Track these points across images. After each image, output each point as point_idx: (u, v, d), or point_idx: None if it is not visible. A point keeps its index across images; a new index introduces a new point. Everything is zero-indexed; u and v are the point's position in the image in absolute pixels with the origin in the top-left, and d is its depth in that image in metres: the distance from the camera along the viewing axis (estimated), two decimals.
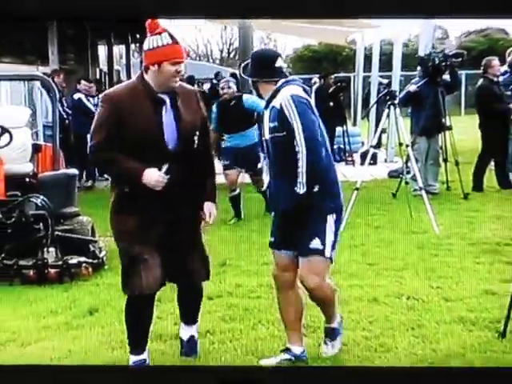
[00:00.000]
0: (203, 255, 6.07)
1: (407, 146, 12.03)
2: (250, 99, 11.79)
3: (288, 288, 5.99)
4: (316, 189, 5.76)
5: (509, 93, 11.75)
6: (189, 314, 6.23)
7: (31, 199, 9.15)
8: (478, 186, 13.43)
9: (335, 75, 19.63)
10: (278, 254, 6.05)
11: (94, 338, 6.94)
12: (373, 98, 18.26)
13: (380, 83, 18.28)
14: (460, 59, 13.45)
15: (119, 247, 5.84)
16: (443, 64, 13.03)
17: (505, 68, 13.42)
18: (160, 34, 5.49)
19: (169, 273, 5.83)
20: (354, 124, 19.87)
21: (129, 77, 20.87)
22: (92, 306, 7.85)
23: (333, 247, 5.86)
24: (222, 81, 12.87)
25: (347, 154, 18.20)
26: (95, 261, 9.24)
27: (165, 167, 5.37)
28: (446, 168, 13.10)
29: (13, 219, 9.03)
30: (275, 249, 6.09)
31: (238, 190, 12.08)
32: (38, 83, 12.49)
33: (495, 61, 13.54)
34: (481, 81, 13.84)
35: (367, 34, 20.33)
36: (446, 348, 6.53)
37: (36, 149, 10.74)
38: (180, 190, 5.60)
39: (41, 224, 8.85)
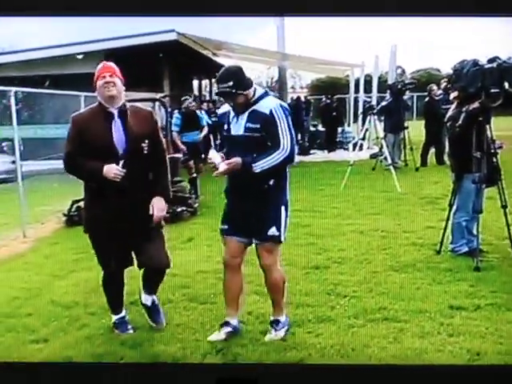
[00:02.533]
0: (159, 244, 4.96)
1: (381, 138, 12.15)
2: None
3: (235, 271, 4.84)
4: (271, 182, 4.74)
5: (443, 106, 11.70)
6: (151, 287, 5.09)
7: None
8: (423, 162, 13.49)
9: (336, 96, 19.49)
10: (230, 240, 4.82)
11: (192, 254, 6.98)
12: (360, 110, 18.26)
13: (365, 101, 18.27)
14: (413, 85, 13.74)
15: (88, 234, 4.91)
16: (403, 88, 13.17)
17: (440, 91, 13.45)
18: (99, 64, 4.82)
19: (131, 257, 4.94)
20: (349, 125, 19.72)
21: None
22: (189, 236, 7.98)
23: (284, 232, 4.80)
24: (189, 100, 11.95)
25: (344, 144, 18.25)
26: (191, 209, 9.54)
27: (121, 162, 4.62)
28: (404, 152, 13.10)
29: None
30: (227, 235, 4.84)
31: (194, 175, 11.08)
32: (157, 103, 12.56)
33: (434, 86, 13.72)
34: (426, 99, 13.92)
35: (356, 71, 20.32)
36: (405, 260, 6.63)
37: None
38: (135, 187, 4.72)
39: None
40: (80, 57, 13.94)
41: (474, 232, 6.50)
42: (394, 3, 4.15)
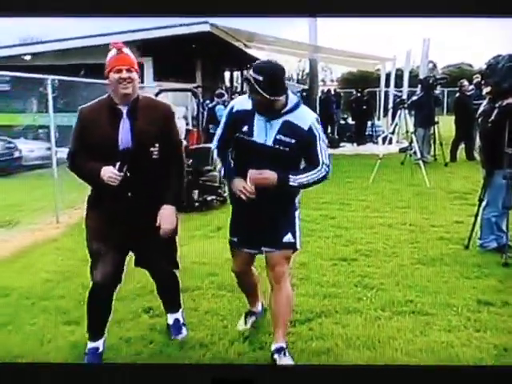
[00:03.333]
0: (167, 250, 4.42)
1: (411, 133, 12.04)
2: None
3: (246, 274, 4.56)
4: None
5: (474, 102, 11.61)
6: (168, 303, 4.67)
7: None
8: (453, 158, 13.41)
9: (367, 90, 19.43)
10: (240, 252, 4.36)
11: (221, 243, 6.56)
12: (390, 104, 18.14)
13: (395, 95, 18.18)
14: (444, 80, 13.62)
15: (86, 240, 4.31)
16: (434, 83, 13.07)
17: (472, 87, 13.34)
18: (110, 50, 4.13)
19: (121, 272, 4.30)
20: (378, 119, 19.63)
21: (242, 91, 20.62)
22: (218, 225, 7.87)
23: (300, 239, 4.32)
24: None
25: (373, 138, 18.17)
26: (221, 198, 9.50)
27: (117, 164, 4.01)
28: (434, 147, 13.05)
29: None
30: (238, 248, 4.35)
31: None
32: (189, 93, 12.59)
33: (465, 82, 13.58)
34: (457, 94, 13.82)
35: (387, 64, 20.20)
36: (433, 254, 6.59)
37: (187, 131, 10.90)
38: (138, 192, 4.14)
39: (189, 176, 8.70)
40: None
41: (504, 228, 6.46)
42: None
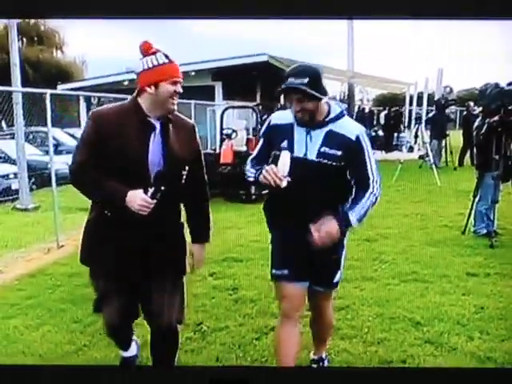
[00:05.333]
0: (178, 301, 3.03)
1: (427, 143, 12.19)
2: None
3: (294, 323, 3.08)
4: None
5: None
6: (161, 361, 3.14)
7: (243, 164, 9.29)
8: (460, 163, 13.36)
9: (394, 108, 19.41)
10: (291, 288, 3.01)
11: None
12: (413, 120, 18.14)
13: (417, 112, 18.21)
14: (453, 102, 13.65)
15: (91, 277, 3.05)
16: (445, 104, 13.12)
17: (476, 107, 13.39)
18: (155, 53, 2.85)
19: (136, 312, 3.11)
20: (404, 132, 19.62)
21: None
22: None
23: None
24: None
25: (399, 147, 18.21)
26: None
27: (151, 190, 2.74)
28: (446, 155, 13.08)
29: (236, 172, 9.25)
30: (289, 282, 3.01)
31: None
32: (250, 110, 12.93)
33: (471, 103, 13.48)
34: (464, 113, 13.81)
35: (411, 88, 20.20)
36: (437, 238, 6.81)
37: (248, 140, 11.14)
38: (161, 223, 2.90)
39: None
40: (193, 73, 14.47)
41: (491, 218, 6.61)
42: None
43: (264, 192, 9.68)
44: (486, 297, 4.74)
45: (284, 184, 2.81)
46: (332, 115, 2.95)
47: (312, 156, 2.93)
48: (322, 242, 2.82)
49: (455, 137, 14.05)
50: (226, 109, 11.83)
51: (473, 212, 6.87)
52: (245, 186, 9.26)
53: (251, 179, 3.16)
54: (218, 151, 10.78)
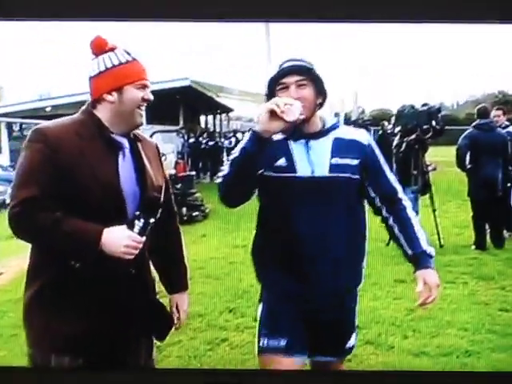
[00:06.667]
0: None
1: None
2: None
3: None
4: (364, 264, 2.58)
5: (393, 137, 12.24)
6: None
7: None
8: None
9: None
10: (289, 362, 2.30)
11: (205, 245, 7.13)
12: None
13: None
14: (369, 122, 14.06)
15: (29, 346, 2.22)
16: (363, 124, 13.65)
17: (390, 126, 13.90)
18: (113, 50, 2.16)
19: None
20: None
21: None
22: (203, 232, 8.25)
23: None
24: None
25: None
26: (204, 214, 9.90)
27: (139, 224, 2.04)
28: None
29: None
30: (286, 355, 2.30)
31: None
32: (175, 133, 13.05)
33: (386, 122, 13.99)
34: (380, 132, 14.42)
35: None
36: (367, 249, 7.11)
37: (176, 162, 11.30)
38: (142, 267, 2.27)
39: (178, 197, 8.89)
40: None
41: None
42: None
43: (195, 214, 9.85)
44: (415, 300, 5.08)
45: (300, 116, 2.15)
46: (329, 124, 2.38)
47: (321, 172, 2.26)
48: (434, 299, 2.41)
49: None
50: (154, 133, 11.96)
51: None
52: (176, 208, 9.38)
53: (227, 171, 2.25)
54: None
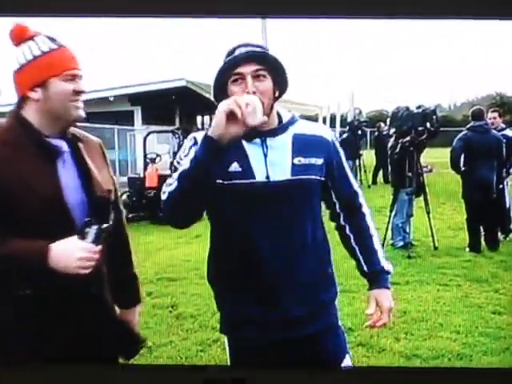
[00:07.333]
0: None
1: None
2: None
3: None
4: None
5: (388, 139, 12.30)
6: None
7: None
8: (373, 181, 13.97)
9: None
10: None
11: (200, 245, 7.12)
12: None
13: None
14: (365, 123, 14.14)
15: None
16: (358, 125, 13.69)
17: (386, 127, 13.98)
18: (32, 38, 1.81)
19: None
20: None
21: None
22: (197, 233, 7.88)
23: None
24: None
25: None
26: None
27: (92, 231, 1.72)
28: (360, 174, 13.72)
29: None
30: None
31: None
32: (170, 134, 13.08)
33: (382, 124, 13.99)
34: (376, 133, 14.46)
35: (324, 110, 20.98)
36: None
37: (171, 163, 11.31)
38: (101, 284, 1.94)
39: None
40: (111, 99, 14.51)
41: (407, 230, 7.17)
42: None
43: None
44: (408, 302, 5.14)
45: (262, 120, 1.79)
46: (286, 119, 2.03)
47: (283, 175, 1.93)
48: (388, 310, 2.21)
49: (367, 156, 14.73)
50: (149, 134, 11.95)
51: (390, 226, 7.34)
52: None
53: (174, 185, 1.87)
54: (142, 175, 10.86)
